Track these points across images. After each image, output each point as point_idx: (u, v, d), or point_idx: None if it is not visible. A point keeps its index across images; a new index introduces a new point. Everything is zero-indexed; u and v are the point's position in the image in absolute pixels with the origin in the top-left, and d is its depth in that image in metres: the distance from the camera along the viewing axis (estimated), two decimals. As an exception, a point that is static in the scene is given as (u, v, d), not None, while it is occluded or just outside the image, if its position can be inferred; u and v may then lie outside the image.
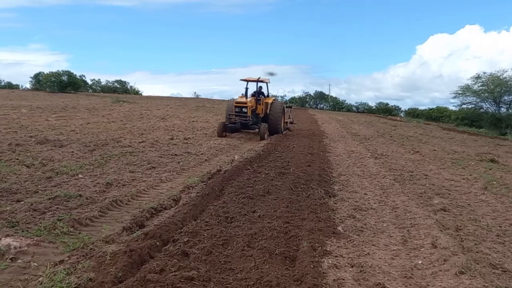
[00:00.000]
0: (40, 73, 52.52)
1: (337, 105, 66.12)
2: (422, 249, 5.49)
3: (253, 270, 4.53)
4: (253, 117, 17.93)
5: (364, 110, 63.79)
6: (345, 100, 69.31)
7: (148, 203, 6.94)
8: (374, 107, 63.89)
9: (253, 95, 19.24)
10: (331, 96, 70.49)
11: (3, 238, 4.74)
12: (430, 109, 57.03)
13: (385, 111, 60.56)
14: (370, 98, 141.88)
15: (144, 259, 4.63)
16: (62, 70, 51.27)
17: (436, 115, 53.26)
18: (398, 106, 63.91)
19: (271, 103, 18.87)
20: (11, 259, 4.41)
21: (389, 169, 11.43)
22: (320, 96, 70.43)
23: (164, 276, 4.20)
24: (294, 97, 70.30)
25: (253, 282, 4.25)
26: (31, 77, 53.44)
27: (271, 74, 31.02)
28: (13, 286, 3.91)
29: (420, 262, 5.08)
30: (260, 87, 19.33)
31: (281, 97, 69.78)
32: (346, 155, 14.09)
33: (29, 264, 4.37)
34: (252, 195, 7.64)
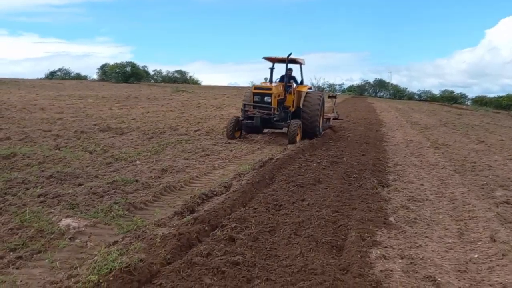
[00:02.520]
0: (106, 64, 55.12)
1: (398, 93, 63.86)
2: (480, 243, 5.19)
3: (299, 258, 4.52)
4: (279, 110, 13.08)
5: (427, 98, 61.13)
6: (406, 88, 66.84)
7: (200, 189, 7.11)
8: (437, 95, 61.09)
9: (280, 81, 14.16)
10: (391, 84, 68.18)
11: (63, 219, 5.06)
12: (500, 97, 53.61)
13: (450, 99, 57.67)
14: (434, 85, 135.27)
15: (192, 243, 4.75)
16: (126, 62, 53.50)
17: (507, 103, 49.95)
18: (464, 94, 60.81)
19: (306, 93, 13.79)
20: (70, 238, 4.70)
21: (449, 159, 10.89)
22: (380, 84, 68.34)
23: (210, 259, 4.29)
24: (353, 85, 68.78)
25: (297, 270, 4.24)
26: (97, 69, 56.22)
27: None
28: (70, 264, 4.16)
29: (476, 256, 4.81)
30: (290, 69, 14.00)
31: (339, 85, 68.53)
32: (404, 144, 13.60)
33: (85, 244, 4.64)
34: (303, 183, 7.60)
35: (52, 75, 50.51)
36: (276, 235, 5.14)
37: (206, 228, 5.18)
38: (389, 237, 5.28)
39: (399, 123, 21.43)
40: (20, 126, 12.34)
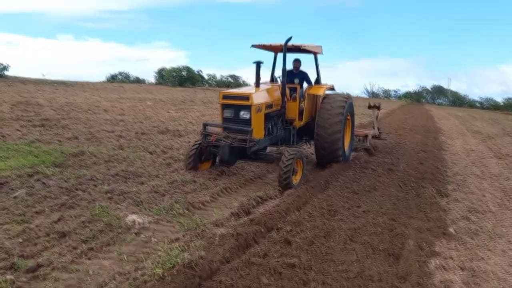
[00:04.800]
0: (163, 68, 57.02)
1: (458, 101, 61.17)
2: (548, 259, 4.95)
3: (355, 264, 4.53)
4: (273, 129, 8.72)
5: (489, 106, 58.17)
6: (466, 95, 63.83)
7: (255, 192, 7.26)
8: (501, 103, 57.89)
9: (289, 80, 9.35)
10: (450, 91, 65.48)
11: (129, 215, 5.38)
12: None
13: (514, 107, 54.44)
14: (496, 93, 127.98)
15: (249, 243, 4.89)
16: (182, 66, 55.05)
17: None
18: (530, 102, 57.05)
19: (324, 98, 9.52)
20: (135, 233, 4.99)
21: (514, 170, 10.37)
22: (438, 91, 65.76)
23: (267, 260, 4.41)
24: (409, 91, 66.68)
25: (354, 275, 4.26)
26: (155, 72, 58.24)
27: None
28: (137, 257, 4.42)
29: (543, 272, 4.60)
30: (297, 61, 9.77)
31: (394, 91, 66.66)
32: (464, 153, 13.10)
33: (150, 239, 4.90)
34: (358, 190, 7.56)
35: (113, 78, 52.96)
36: (331, 240, 5.17)
37: (262, 229, 5.30)
38: (448, 248, 5.17)
39: (459, 131, 20.61)
40: (86, 127, 13.09)
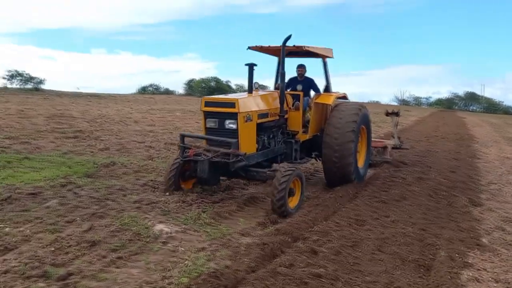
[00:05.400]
0: (192, 79, 57.88)
1: (492, 107, 59.33)
2: None
3: (383, 274, 4.44)
4: (267, 142, 7.51)
5: (526, 112, 56.16)
6: (501, 102, 61.88)
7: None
8: (538, 109, 55.84)
9: (291, 88, 8.72)
10: (484, 97, 63.64)
11: (157, 224, 5.45)
12: None
13: (553, 113, 52.40)
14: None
15: (275, 253, 4.87)
16: (211, 77, 55.74)
17: None
18: None
19: (333, 108, 8.53)
20: (162, 242, 5.05)
21: (552, 179, 9.96)
22: (471, 97, 64.03)
23: (293, 270, 4.38)
24: (441, 98, 65.23)
25: (382, 286, 4.18)
26: (184, 84, 59.17)
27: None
28: (164, 266, 4.47)
29: None
30: (301, 67, 8.79)
31: (425, 98, 65.38)
32: (499, 162, 12.68)
33: (177, 248, 4.95)
34: (386, 199, 7.42)
35: (143, 90, 54.10)
36: (359, 250, 5.09)
37: (289, 239, 5.28)
38: (482, 259, 5.00)
39: (493, 138, 19.98)
40: (118, 138, 13.40)
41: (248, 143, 6.83)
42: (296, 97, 8.32)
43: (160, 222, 5.57)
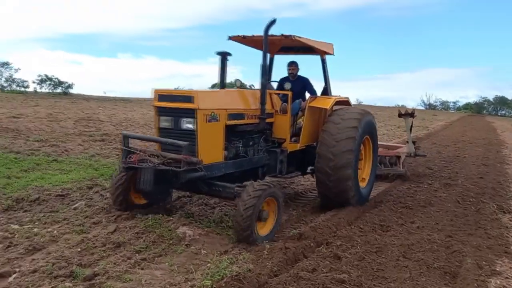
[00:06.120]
0: (216, 84, 58.39)
1: (523, 112, 57.76)
2: None
3: (408, 281, 4.36)
4: (249, 150, 6.37)
5: (559, 116, 54.37)
6: (533, 106, 60.13)
7: (304, 206, 7.19)
8: None
9: (279, 87, 7.63)
10: (515, 101, 61.88)
11: (180, 227, 5.50)
12: None
13: None
14: None
15: (298, 258, 4.85)
16: (234, 79, 56.04)
17: None
18: None
19: (330, 114, 7.15)
20: (186, 245, 5.09)
21: None
22: (501, 102, 62.47)
23: (315, 275, 4.34)
24: (469, 102, 63.83)
25: (406, 293, 4.10)
26: (208, 88, 59.77)
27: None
28: (187, 268, 4.51)
29: None
30: (293, 64, 7.64)
31: (453, 102, 64.10)
32: (530, 167, 12.28)
33: (200, 250, 4.98)
34: (412, 205, 7.30)
35: (169, 94, 55.04)
36: (383, 256, 5.01)
37: (311, 244, 5.24)
38: (511, 267, 4.85)
39: (524, 144, 19.38)
40: (142, 142, 13.61)
41: (211, 149, 5.55)
42: (284, 98, 6.95)
43: (184, 224, 5.62)
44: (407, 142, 10.13)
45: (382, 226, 6.10)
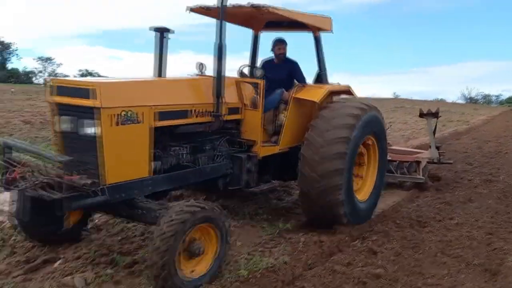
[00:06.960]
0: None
1: None
2: None
3: (446, 278, 4.29)
4: (192, 154, 4.77)
5: None
6: None
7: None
8: None
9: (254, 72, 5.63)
10: None
11: (216, 219, 5.59)
12: None
13: None
14: None
15: (333, 251, 4.84)
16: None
17: None
18: None
19: (323, 106, 5.57)
20: (221, 236, 5.17)
21: None
22: (547, 95, 59.65)
23: (350, 269, 4.34)
24: (513, 96, 61.27)
25: (444, 290, 4.04)
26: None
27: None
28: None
29: None
30: (280, 42, 6.02)
31: (495, 96, 61.68)
32: None
33: (235, 242, 5.04)
34: (451, 201, 7.12)
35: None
36: (420, 252, 4.94)
37: (347, 238, 5.22)
38: (555, 267, 4.66)
39: None
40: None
41: (125, 162, 3.99)
42: (254, 87, 5.33)
43: (219, 216, 5.70)
44: (429, 147, 8.57)
45: (419, 222, 5.99)
